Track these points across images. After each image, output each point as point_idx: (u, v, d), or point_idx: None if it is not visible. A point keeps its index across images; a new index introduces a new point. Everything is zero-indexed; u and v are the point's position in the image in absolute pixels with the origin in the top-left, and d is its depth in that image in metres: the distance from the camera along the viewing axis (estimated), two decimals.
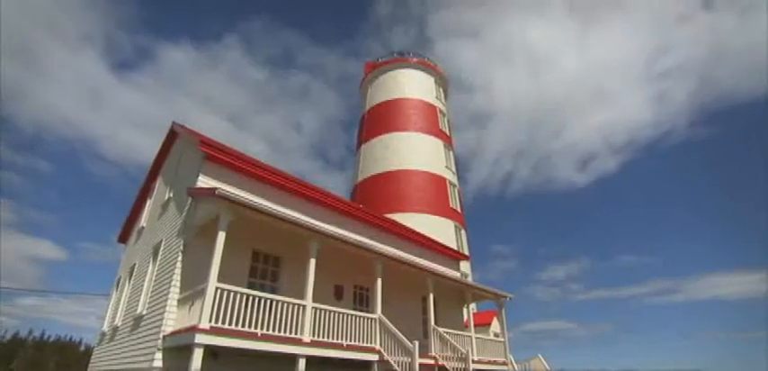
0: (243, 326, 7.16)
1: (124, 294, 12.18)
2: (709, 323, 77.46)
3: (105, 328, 13.06)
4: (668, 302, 79.49)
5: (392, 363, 9.12)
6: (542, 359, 24.21)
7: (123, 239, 16.53)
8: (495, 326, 27.52)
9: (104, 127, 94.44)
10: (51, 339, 27.16)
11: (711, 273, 79.18)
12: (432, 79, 34.44)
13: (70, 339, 28.39)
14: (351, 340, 9.04)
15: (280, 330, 7.67)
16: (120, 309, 11.97)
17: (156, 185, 13.75)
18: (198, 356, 6.39)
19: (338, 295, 11.64)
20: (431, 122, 31.18)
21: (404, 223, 17.91)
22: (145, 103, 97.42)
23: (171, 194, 11.11)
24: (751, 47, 74.55)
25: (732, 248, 79.01)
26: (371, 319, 9.73)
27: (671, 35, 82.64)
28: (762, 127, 79.64)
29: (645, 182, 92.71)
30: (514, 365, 20.10)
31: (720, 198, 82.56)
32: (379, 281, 10.41)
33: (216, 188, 7.62)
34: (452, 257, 18.01)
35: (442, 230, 25.14)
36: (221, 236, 7.35)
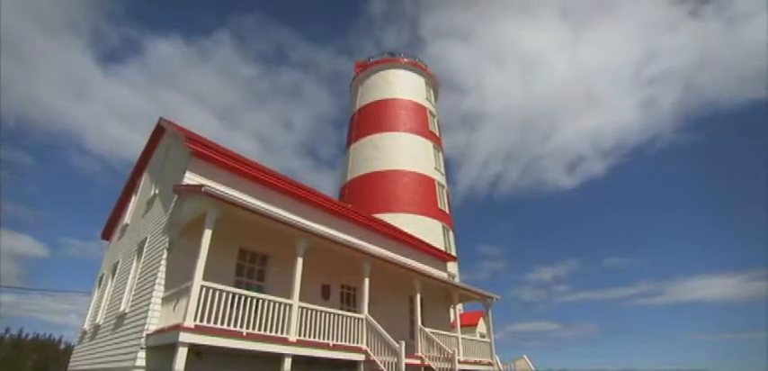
0: (228, 325, 7.11)
1: (107, 292, 11.97)
2: (692, 324, 79.37)
3: (86, 326, 12.81)
4: (653, 303, 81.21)
5: (378, 363, 9.15)
6: (527, 360, 24.53)
7: (107, 235, 16.23)
8: (482, 327, 27.77)
9: (89, 120, 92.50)
10: (29, 338, 26.51)
11: (695, 275, 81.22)
12: (422, 80, 34.58)
13: (50, 337, 27.71)
14: (337, 340, 9.04)
15: (266, 330, 7.63)
16: (102, 307, 11.76)
17: (142, 182, 13.55)
18: (182, 355, 6.33)
19: (325, 295, 11.63)
20: (420, 123, 31.31)
21: (392, 223, 17.95)
22: (132, 96, 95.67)
23: (157, 191, 10.96)
24: (735, 56, 76.76)
25: (715, 252, 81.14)
26: (358, 319, 9.74)
27: (659, 42, 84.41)
28: (743, 134, 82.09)
29: (632, 186, 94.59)
30: (500, 365, 20.32)
31: (704, 203, 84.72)
32: (367, 281, 10.42)
33: (203, 185, 7.54)
34: (440, 257, 18.12)
35: (429, 230, 25.25)
36: (207, 234, 7.29)
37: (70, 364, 13.40)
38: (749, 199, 79.10)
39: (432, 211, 27.36)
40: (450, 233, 28.05)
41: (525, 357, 24.57)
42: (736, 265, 77.00)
